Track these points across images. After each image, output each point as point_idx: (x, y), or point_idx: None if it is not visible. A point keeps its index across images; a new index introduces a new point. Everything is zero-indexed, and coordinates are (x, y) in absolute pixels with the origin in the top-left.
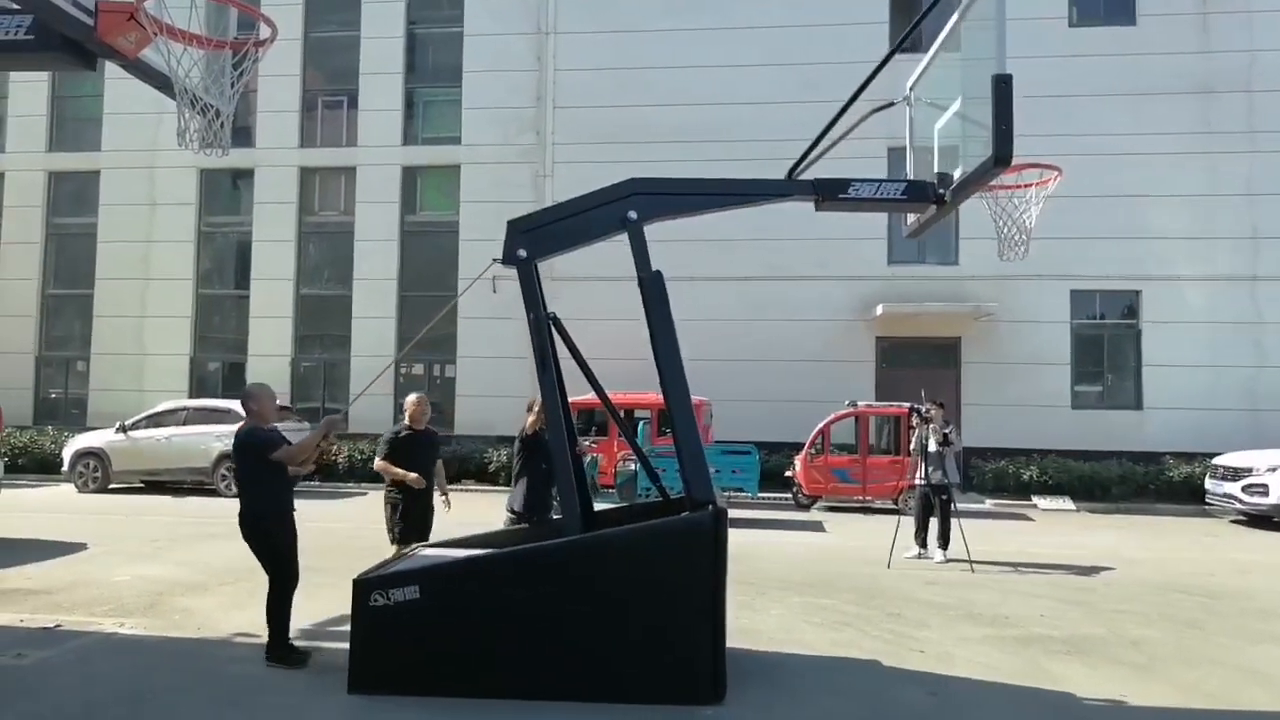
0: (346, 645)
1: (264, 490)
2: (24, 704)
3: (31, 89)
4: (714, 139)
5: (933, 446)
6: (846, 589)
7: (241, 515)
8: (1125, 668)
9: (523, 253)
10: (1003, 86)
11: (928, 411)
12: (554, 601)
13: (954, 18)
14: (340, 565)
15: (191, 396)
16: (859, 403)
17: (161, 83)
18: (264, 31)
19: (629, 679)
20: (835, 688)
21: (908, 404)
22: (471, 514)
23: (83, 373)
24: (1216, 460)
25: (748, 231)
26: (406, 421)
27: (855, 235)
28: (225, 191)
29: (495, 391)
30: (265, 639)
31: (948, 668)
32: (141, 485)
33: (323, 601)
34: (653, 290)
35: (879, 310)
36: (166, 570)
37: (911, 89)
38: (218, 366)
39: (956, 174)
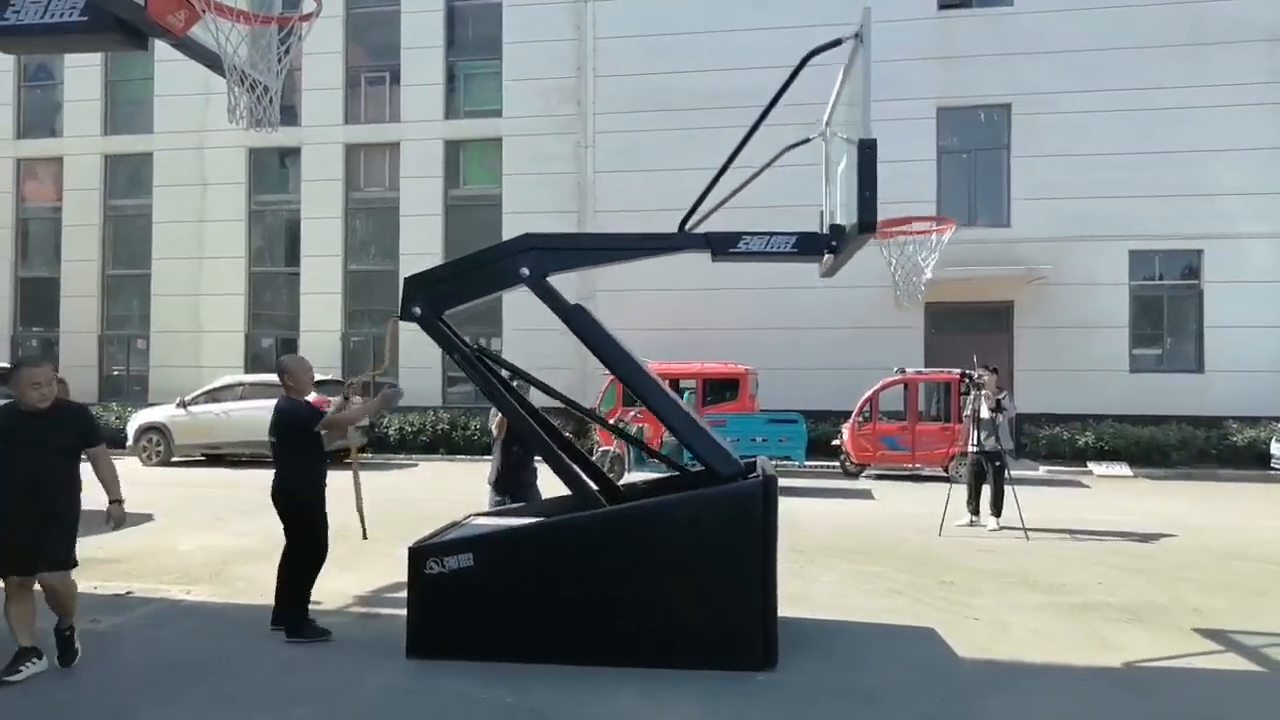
0: (403, 612)
1: (303, 464)
2: (101, 667)
3: (86, 73)
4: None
5: (985, 413)
6: (897, 557)
7: (277, 488)
8: (1187, 635)
9: (418, 310)
10: (866, 152)
11: (980, 377)
12: (606, 569)
13: (840, 75)
14: (393, 534)
15: (247, 372)
16: (907, 369)
17: (210, 60)
18: (308, 6)
19: (681, 645)
20: (889, 655)
21: (958, 370)
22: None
23: (143, 350)
24: None
25: (792, 198)
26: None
27: (901, 199)
28: (273, 170)
29: (540, 364)
30: (324, 606)
31: (1004, 635)
32: (202, 458)
33: (378, 570)
34: (579, 324)
35: (927, 275)
36: (229, 540)
37: (827, 124)
38: (271, 342)
39: (848, 226)
